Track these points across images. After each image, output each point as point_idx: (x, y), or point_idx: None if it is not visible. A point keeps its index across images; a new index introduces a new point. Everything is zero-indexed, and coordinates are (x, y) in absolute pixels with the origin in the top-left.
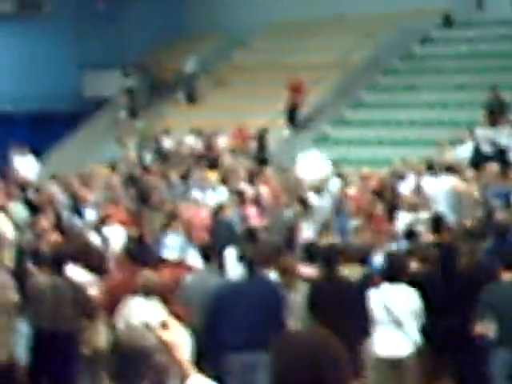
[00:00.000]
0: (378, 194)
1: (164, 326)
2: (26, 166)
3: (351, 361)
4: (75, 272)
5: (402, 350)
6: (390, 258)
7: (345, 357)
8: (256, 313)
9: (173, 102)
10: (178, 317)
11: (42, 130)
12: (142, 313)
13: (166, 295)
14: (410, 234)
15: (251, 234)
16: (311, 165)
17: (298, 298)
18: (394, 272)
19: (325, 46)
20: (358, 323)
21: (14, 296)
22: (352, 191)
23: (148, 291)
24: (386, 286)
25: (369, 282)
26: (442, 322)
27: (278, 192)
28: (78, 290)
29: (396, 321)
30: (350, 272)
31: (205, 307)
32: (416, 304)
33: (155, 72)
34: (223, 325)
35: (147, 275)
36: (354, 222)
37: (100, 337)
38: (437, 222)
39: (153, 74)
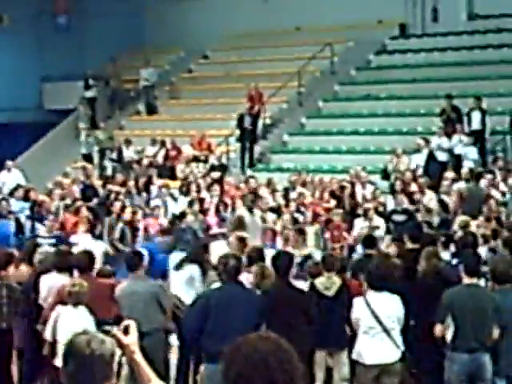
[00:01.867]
0: (338, 200)
1: (126, 330)
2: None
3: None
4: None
5: (391, 356)
6: (374, 266)
7: (297, 363)
8: (234, 321)
9: (132, 113)
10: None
11: (3, 141)
12: (75, 321)
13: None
14: (370, 242)
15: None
16: None
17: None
18: (377, 280)
19: (282, 57)
20: (312, 330)
21: None
22: (309, 199)
23: (78, 300)
24: (371, 294)
25: (347, 290)
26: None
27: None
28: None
29: (384, 328)
30: (328, 281)
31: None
32: (400, 311)
33: (115, 83)
34: (201, 332)
35: (79, 283)
36: (312, 229)
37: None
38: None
39: (112, 85)
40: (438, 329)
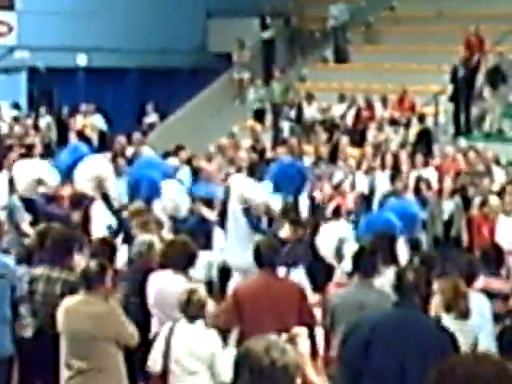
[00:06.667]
0: None
1: (292, 340)
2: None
3: None
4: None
5: None
6: None
7: None
8: (408, 362)
9: (317, 60)
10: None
11: (156, 89)
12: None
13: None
14: None
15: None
16: None
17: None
18: None
19: None
20: None
21: None
22: None
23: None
24: None
25: None
26: None
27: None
28: None
29: None
30: None
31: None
32: None
33: (296, 22)
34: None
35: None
36: None
37: None
38: None
39: (293, 24)
40: None
